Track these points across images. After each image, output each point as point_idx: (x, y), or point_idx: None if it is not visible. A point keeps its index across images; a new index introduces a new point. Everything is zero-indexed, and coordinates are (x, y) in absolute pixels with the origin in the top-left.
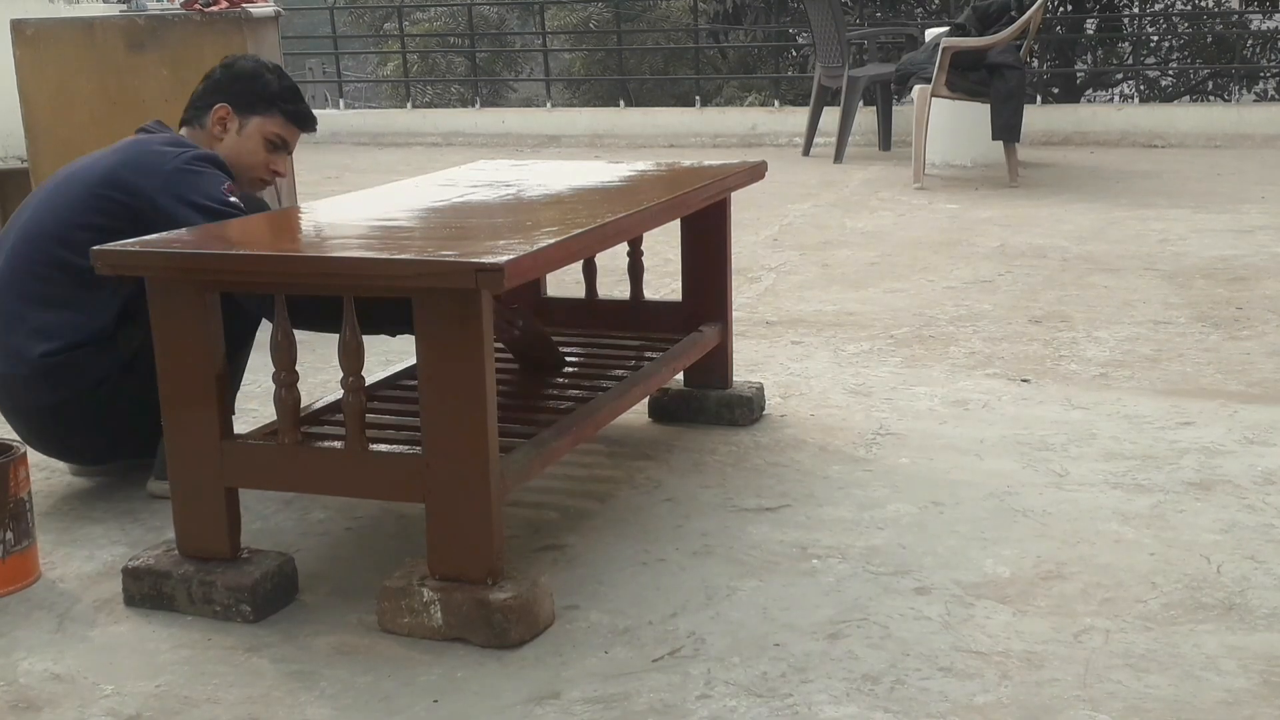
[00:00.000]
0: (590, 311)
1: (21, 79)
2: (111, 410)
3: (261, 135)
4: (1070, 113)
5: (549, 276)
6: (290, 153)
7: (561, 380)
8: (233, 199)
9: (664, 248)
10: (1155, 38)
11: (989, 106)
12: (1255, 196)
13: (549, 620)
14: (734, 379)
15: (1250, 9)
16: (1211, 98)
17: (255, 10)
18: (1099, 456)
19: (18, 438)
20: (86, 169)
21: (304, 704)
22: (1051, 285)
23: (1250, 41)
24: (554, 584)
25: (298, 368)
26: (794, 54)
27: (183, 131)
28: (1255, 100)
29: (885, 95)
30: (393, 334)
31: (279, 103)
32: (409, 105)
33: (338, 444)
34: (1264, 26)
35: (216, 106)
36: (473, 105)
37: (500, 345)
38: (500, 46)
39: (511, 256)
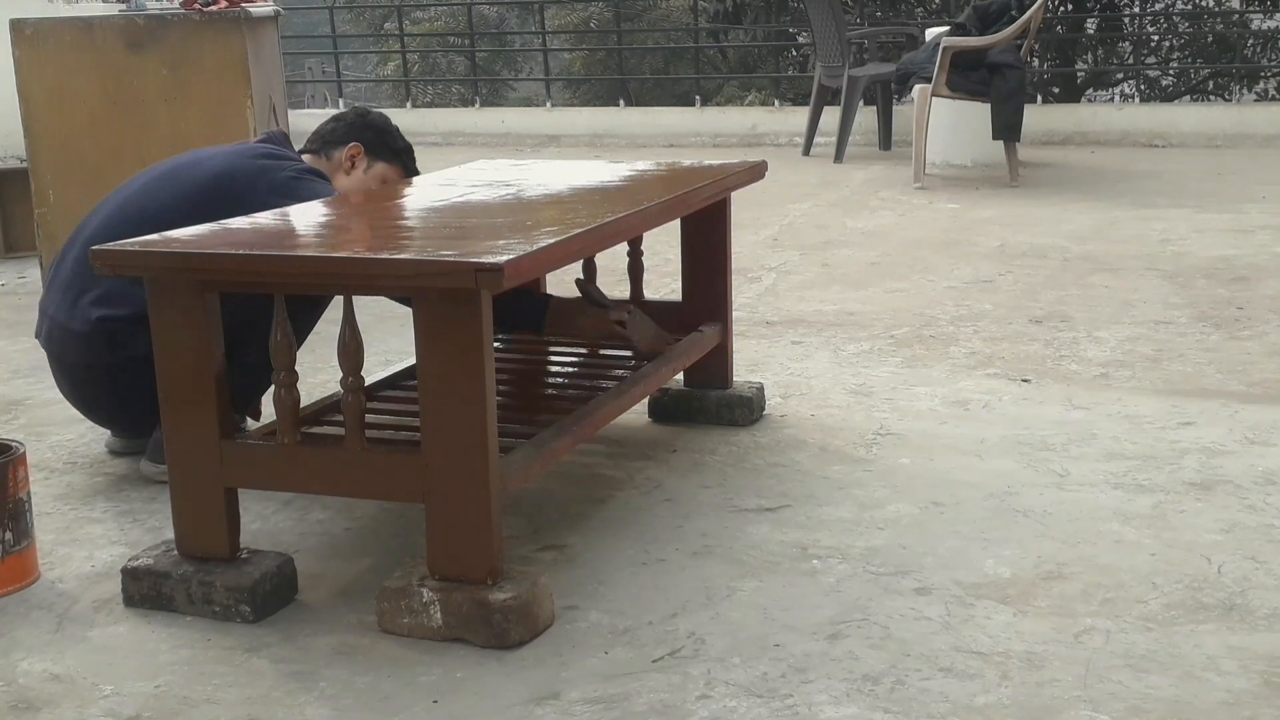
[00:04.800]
0: None
1: (21, 79)
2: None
3: (381, 179)
4: (1070, 112)
5: (549, 276)
6: None
7: (561, 380)
8: None
9: (664, 248)
10: (1156, 37)
11: (989, 106)
12: (1256, 196)
13: (549, 620)
14: (734, 379)
15: (1251, 9)
16: (1212, 97)
17: (255, 10)
18: (1099, 456)
19: (16, 439)
20: (195, 165)
21: (304, 704)
22: (1052, 285)
23: (1251, 41)
24: (554, 584)
25: (297, 368)
26: (794, 54)
27: (306, 158)
28: (1256, 100)
29: (885, 95)
30: (537, 330)
31: (403, 156)
32: (409, 105)
33: (338, 444)
34: (1264, 26)
35: (350, 144)
36: (473, 105)
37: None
38: (500, 46)
39: (511, 256)
